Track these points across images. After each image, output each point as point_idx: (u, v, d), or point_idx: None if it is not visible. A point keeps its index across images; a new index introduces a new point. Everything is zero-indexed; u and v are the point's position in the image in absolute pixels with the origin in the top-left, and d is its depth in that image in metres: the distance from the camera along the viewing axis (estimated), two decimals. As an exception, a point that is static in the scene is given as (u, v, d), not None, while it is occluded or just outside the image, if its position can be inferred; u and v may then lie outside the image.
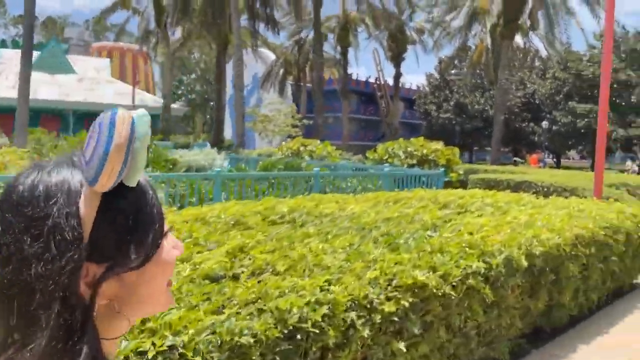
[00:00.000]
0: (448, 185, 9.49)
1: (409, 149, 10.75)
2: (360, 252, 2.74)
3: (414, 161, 10.53)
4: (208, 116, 50.39)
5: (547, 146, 35.93)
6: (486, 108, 35.47)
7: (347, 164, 11.49)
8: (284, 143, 14.50)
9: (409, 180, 8.46)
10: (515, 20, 22.12)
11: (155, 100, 30.43)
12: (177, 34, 29.42)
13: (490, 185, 8.12)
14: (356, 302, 2.17)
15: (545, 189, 7.34)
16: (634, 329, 4.55)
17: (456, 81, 37.72)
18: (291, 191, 7.08)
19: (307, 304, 1.98)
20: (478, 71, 31.45)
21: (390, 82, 36.57)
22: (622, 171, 25.94)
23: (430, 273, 2.60)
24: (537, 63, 34.91)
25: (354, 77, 45.68)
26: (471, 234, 3.45)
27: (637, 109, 30.21)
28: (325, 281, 2.26)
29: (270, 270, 2.38)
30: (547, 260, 3.61)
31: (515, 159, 35.25)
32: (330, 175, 7.94)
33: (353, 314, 2.12)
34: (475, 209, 4.85)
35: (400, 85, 36.68)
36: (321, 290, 2.11)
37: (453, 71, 36.48)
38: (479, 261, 2.95)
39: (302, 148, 12.81)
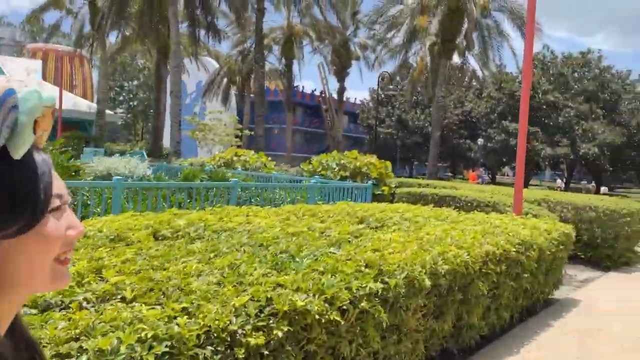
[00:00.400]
0: (380, 198, 9.40)
1: (342, 162, 10.60)
2: (239, 274, 2.43)
3: (347, 173, 10.38)
4: (150, 124, 48.68)
5: (483, 163, 37.39)
6: (426, 124, 36.43)
7: (280, 175, 11.18)
8: (216, 152, 13.98)
9: (336, 192, 8.28)
10: (452, 40, 22.84)
11: (89, 106, 28.90)
12: (117, 37, 28.15)
13: (416, 199, 8.10)
14: (214, 334, 1.85)
15: (469, 204, 7.38)
16: (546, 346, 4.50)
17: (398, 97, 38.57)
18: (212, 203, 6.68)
19: (143, 340, 1.64)
20: (419, 89, 32.26)
21: (336, 96, 36.92)
22: (553, 188, 27.25)
23: (315, 297, 2.32)
24: (474, 83, 36.30)
25: (300, 89, 45.84)
26: (377, 250, 3.23)
27: (563, 129, 32.03)
28: (183, 309, 1.93)
29: (120, 296, 2.02)
30: (455, 279, 3.45)
31: (447, 174, 36.47)
32: (252, 186, 7.60)
33: (208, 350, 1.80)
34: (392, 224, 4.67)
35: (345, 99, 37.04)
36: (167, 322, 1.78)
37: (391, 86, 37.30)
38: (375, 281, 2.71)
39: (235, 158, 12.38)
